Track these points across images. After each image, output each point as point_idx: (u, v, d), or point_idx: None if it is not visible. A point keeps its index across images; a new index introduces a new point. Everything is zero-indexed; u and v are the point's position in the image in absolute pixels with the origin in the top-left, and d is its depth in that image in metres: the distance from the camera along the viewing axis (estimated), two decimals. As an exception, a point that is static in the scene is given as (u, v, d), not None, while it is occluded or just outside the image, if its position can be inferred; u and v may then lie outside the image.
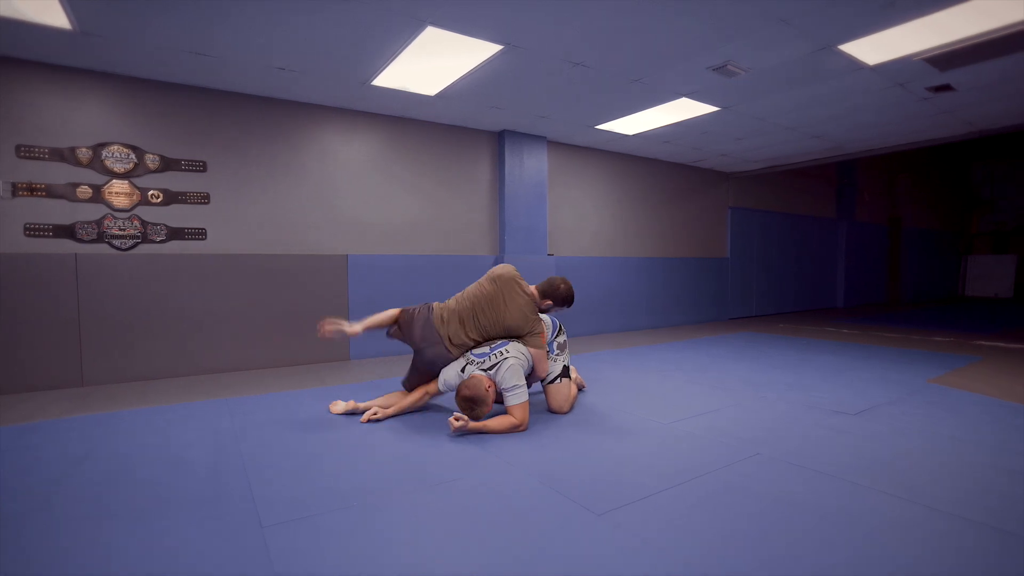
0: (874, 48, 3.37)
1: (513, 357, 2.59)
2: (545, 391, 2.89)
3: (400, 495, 1.85)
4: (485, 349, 2.67)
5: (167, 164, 3.87)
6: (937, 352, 4.81)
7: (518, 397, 2.54)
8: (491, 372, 2.57)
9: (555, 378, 2.84)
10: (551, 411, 2.86)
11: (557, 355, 2.88)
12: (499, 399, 2.74)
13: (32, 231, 3.46)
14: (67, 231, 3.56)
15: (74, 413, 2.93)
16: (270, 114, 4.25)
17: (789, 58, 3.51)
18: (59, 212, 3.53)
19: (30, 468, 2.10)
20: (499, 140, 5.43)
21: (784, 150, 6.37)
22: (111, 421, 2.76)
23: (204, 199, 4.01)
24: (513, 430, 2.53)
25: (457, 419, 2.44)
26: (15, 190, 3.40)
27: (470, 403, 2.48)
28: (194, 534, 1.58)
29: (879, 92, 4.23)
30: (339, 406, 2.87)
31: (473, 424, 2.50)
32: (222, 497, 1.84)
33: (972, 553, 1.47)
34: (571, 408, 2.93)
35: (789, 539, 1.54)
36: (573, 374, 3.12)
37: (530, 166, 5.52)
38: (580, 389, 3.35)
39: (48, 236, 3.50)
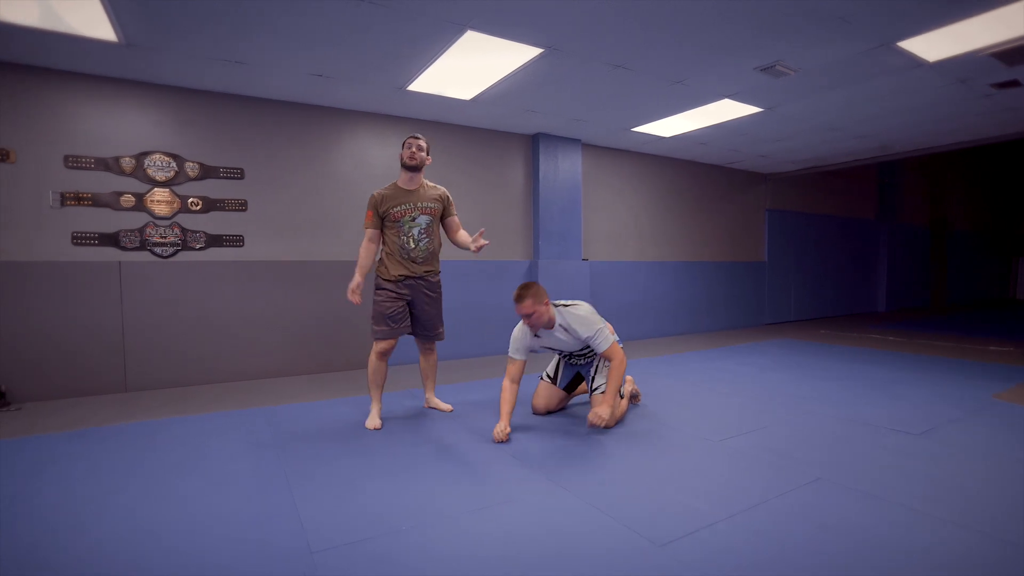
0: (936, 44, 3.18)
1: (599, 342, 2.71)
2: (593, 402, 2.82)
3: (450, 519, 1.79)
4: (581, 360, 2.99)
5: (206, 172, 3.90)
6: (997, 363, 4.53)
7: (607, 340, 2.67)
8: (586, 349, 2.86)
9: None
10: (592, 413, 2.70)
11: (607, 364, 2.82)
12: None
13: (79, 240, 3.52)
14: (111, 239, 3.61)
15: (119, 420, 2.97)
16: (306, 120, 4.26)
17: (843, 57, 3.35)
18: (104, 220, 3.59)
19: (81, 481, 2.12)
20: (533, 143, 5.35)
21: (827, 151, 6.13)
22: (154, 430, 2.78)
23: (242, 206, 4.03)
24: (622, 367, 2.69)
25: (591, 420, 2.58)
26: (64, 200, 3.47)
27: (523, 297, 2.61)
28: (243, 562, 1.55)
29: (937, 90, 4.01)
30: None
31: (608, 414, 2.58)
32: (268, 518, 1.80)
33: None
34: (616, 423, 2.83)
35: (871, 581, 1.43)
36: (628, 386, 3.06)
37: (564, 169, 5.42)
38: (634, 399, 3.25)
39: (94, 244, 3.57)
